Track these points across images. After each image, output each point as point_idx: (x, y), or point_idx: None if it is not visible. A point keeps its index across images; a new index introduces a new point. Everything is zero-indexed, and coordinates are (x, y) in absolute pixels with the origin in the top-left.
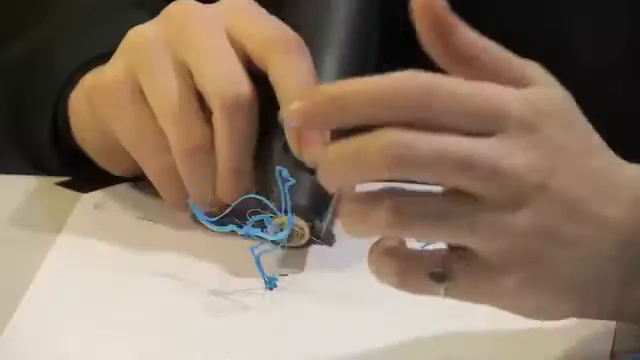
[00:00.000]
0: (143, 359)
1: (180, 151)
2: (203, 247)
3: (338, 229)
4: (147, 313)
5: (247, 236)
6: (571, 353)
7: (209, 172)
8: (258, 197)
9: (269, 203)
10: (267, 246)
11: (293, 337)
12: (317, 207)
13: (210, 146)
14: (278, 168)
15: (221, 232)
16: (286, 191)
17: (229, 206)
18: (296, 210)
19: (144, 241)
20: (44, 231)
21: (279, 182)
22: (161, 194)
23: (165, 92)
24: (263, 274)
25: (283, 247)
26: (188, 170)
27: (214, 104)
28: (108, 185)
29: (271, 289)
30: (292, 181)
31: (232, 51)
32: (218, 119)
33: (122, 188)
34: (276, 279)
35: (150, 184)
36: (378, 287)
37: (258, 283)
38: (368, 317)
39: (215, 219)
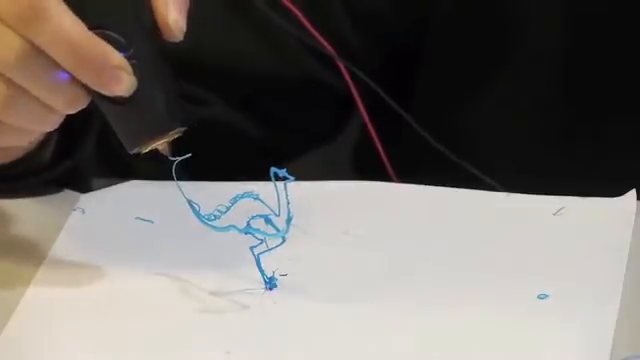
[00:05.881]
0: (143, 358)
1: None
2: (203, 247)
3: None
4: (147, 313)
5: (247, 235)
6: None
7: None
8: (258, 198)
9: (266, 204)
10: (267, 246)
11: (293, 337)
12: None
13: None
14: (273, 169)
15: (221, 232)
16: (284, 190)
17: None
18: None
19: (143, 241)
20: (43, 231)
21: (274, 181)
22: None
23: None
24: (263, 274)
25: (283, 239)
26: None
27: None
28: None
29: (271, 289)
30: (291, 179)
31: None
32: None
33: (121, 188)
34: (276, 279)
35: (150, 184)
36: (378, 287)
37: (258, 283)
38: (368, 317)
39: (215, 219)
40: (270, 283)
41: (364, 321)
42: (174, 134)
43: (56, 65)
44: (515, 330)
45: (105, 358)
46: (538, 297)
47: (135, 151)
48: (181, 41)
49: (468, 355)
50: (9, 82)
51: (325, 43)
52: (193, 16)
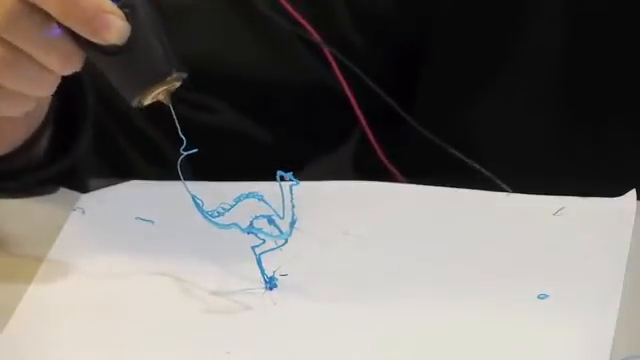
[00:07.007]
0: (143, 358)
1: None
2: (203, 247)
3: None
4: (147, 313)
5: (248, 235)
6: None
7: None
8: (262, 199)
9: (270, 205)
10: (268, 246)
11: (293, 337)
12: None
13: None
14: (280, 172)
15: (221, 232)
16: (290, 193)
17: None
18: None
19: (143, 241)
20: (43, 231)
21: (279, 182)
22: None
23: None
24: (263, 274)
25: (285, 241)
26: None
27: None
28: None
29: (271, 289)
30: (296, 182)
31: None
32: None
33: (121, 188)
34: (276, 279)
35: (150, 184)
36: (378, 287)
37: (258, 283)
38: (368, 317)
39: (218, 216)
40: (270, 283)
41: (364, 321)
42: (173, 81)
43: (48, 21)
44: (515, 330)
45: (105, 358)
46: (538, 297)
47: (136, 102)
48: (188, 49)
49: (468, 355)
50: (2, 42)
51: (320, 39)
52: (199, 25)
